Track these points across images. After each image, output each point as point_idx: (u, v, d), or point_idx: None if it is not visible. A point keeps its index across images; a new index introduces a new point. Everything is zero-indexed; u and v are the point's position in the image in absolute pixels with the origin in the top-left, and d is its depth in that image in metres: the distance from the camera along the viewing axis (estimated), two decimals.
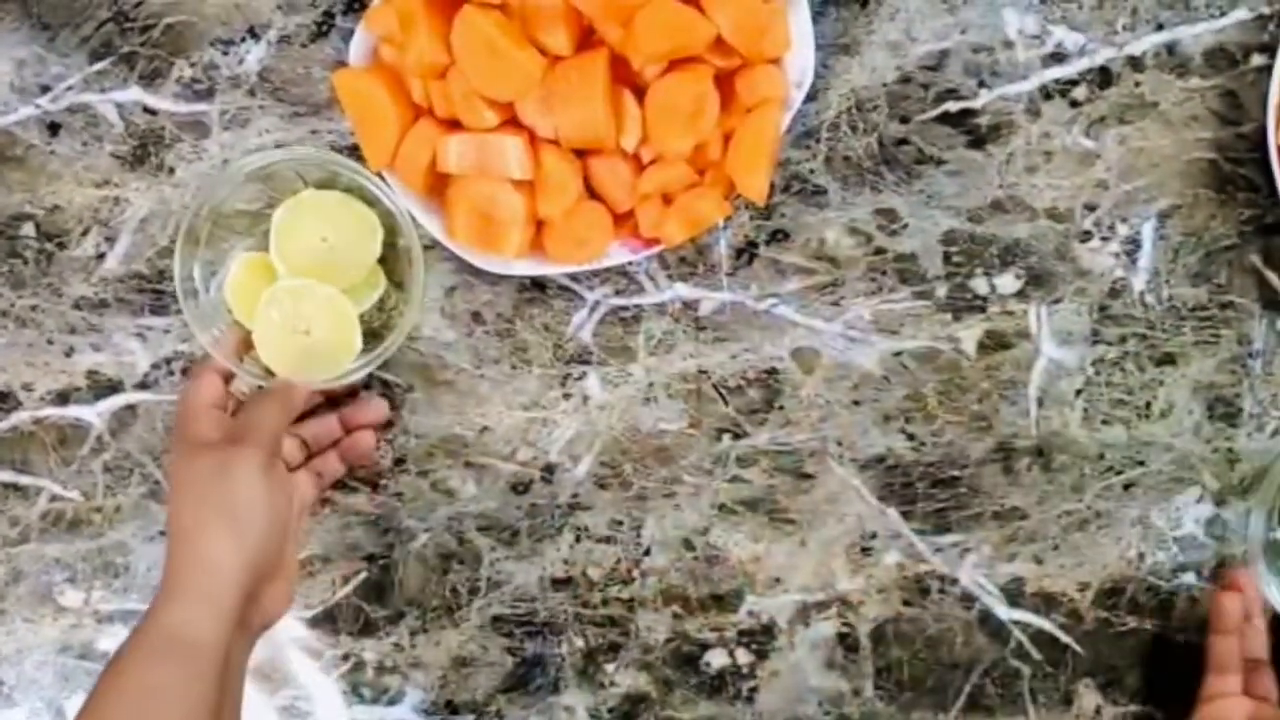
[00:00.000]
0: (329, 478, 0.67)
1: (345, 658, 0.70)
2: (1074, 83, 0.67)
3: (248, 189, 0.67)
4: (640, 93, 0.64)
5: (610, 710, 0.70)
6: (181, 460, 0.61)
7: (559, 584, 0.70)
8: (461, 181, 0.65)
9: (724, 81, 0.65)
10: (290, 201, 0.66)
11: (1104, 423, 0.68)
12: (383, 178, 0.66)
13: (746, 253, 0.69)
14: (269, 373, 0.66)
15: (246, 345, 0.66)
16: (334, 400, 0.69)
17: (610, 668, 0.70)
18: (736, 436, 0.69)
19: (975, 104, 0.67)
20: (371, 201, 0.66)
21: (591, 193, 0.66)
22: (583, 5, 0.62)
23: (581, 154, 0.66)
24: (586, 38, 0.64)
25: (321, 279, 0.66)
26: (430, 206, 0.67)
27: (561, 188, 0.65)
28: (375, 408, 0.69)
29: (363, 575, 0.70)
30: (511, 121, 0.65)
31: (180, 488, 0.61)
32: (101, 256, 0.69)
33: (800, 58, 0.65)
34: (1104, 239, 0.67)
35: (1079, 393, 0.68)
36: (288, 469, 0.63)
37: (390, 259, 0.68)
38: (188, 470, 0.60)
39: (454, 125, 0.65)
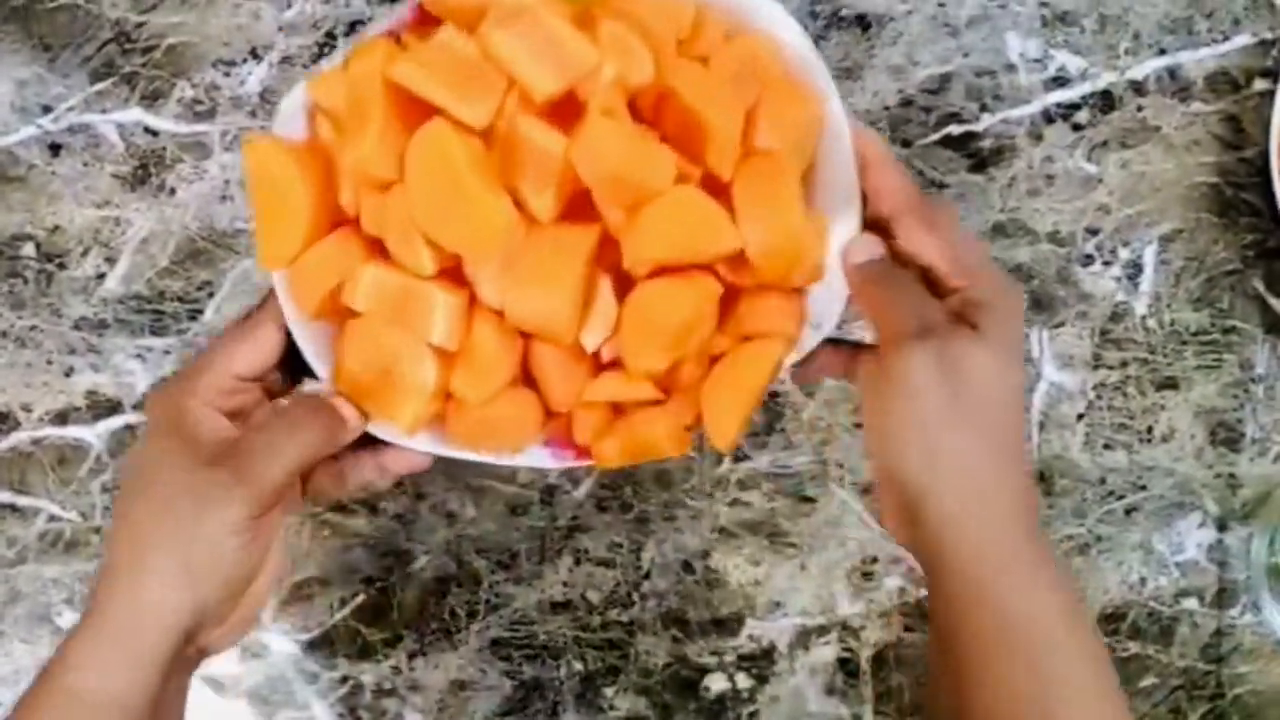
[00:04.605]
0: (329, 498, 0.60)
1: (343, 680, 0.70)
2: (1076, 106, 0.67)
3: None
4: (622, 281, 0.52)
5: None
6: (152, 464, 0.48)
7: (558, 607, 0.69)
8: (366, 322, 0.52)
9: (726, 292, 0.53)
10: None
11: (1105, 447, 0.68)
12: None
13: None
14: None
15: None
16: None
17: (609, 691, 0.69)
18: (737, 459, 0.68)
19: (977, 127, 0.67)
20: None
21: (525, 374, 0.54)
22: (587, 172, 0.49)
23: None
24: (577, 205, 0.51)
25: None
26: (317, 334, 0.53)
27: (489, 372, 0.52)
28: (419, 460, 0.55)
29: (361, 598, 0.70)
30: (452, 272, 0.52)
31: (135, 503, 0.48)
32: (102, 277, 0.69)
33: (829, 296, 0.53)
34: (1106, 263, 0.67)
35: (1080, 417, 0.68)
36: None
37: None
38: (155, 485, 0.48)
39: (379, 250, 0.52)
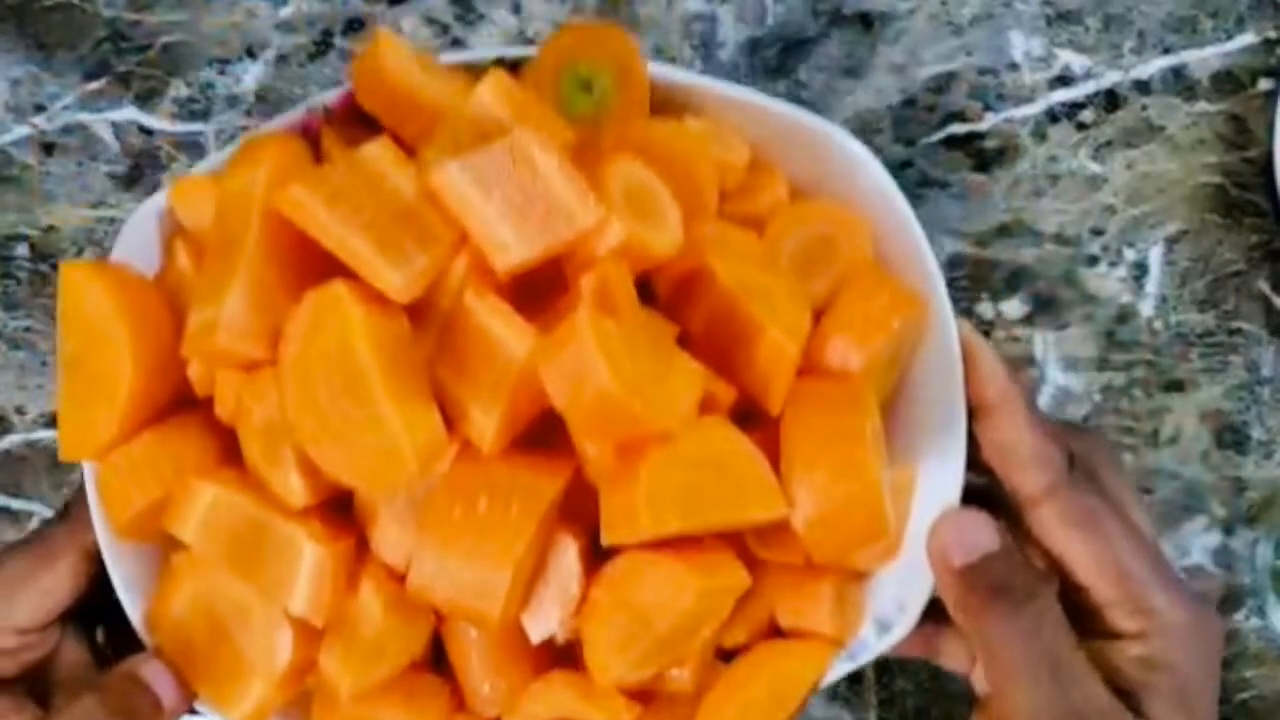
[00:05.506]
0: None
1: None
2: (1080, 106, 0.66)
3: None
4: (592, 543, 0.36)
5: None
6: None
7: None
8: (195, 564, 0.37)
9: (753, 567, 0.38)
10: None
11: None
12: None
13: None
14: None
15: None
16: None
17: None
18: None
19: (981, 127, 0.67)
20: None
21: (436, 651, 0.39)
22: (562, 394, 0.32)
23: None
24: (539, 429, 0.35)
25: None
26: (133, 556, 0.38)
27: (374, 655, 0.36)
28: None
29: None
30: (328, 510, 0.36)
31: None
32: None
33: (905, 582, 0.38)
34: (1111, 264, 0.67)
35: (1086, 419, 0.67)
36: None
37: None
38: None
39: (233, 453, 0.36)
